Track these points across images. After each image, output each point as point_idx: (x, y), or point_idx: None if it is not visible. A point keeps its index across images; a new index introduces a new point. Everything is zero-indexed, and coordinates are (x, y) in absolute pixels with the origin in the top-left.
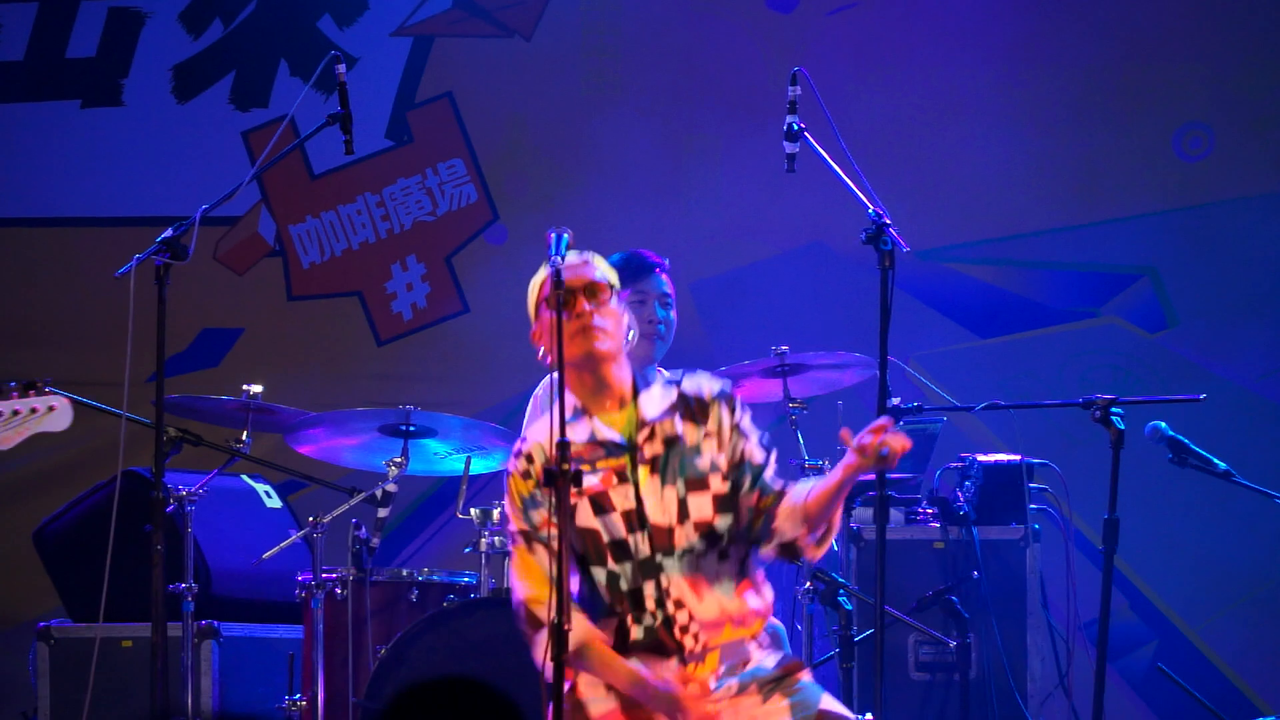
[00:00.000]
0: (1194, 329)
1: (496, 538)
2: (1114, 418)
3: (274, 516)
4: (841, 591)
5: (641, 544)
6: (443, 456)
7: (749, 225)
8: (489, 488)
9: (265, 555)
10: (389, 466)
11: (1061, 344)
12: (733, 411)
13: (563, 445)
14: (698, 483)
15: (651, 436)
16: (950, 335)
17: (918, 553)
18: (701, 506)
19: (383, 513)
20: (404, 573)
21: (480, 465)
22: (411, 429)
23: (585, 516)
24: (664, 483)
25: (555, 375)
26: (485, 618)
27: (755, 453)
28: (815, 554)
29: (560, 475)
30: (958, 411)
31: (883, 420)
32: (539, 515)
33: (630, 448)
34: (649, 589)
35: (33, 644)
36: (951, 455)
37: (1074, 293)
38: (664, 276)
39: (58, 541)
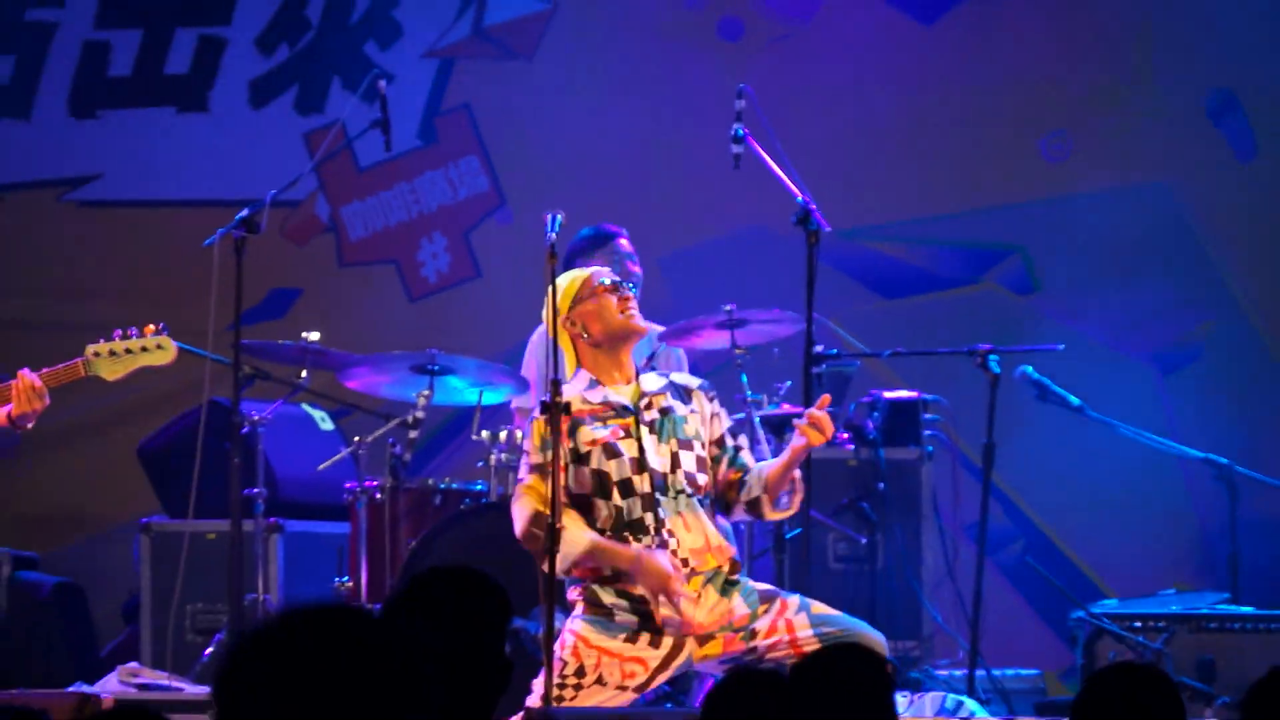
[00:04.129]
0: (1056, 294)
1: (503, 455)
2: (991, 363)
3: (327, 437)
4: None
5: (644, 484)
6: (461, 390)
7: (705, 209)
8: (497, 415)
9: (321, 467)
10: (418, 398)
11: (951, 305)
12: (711, 400)
13: (555, 383)
14: (685, 444)
15: (649, 405)
16: (863, 297)
17: (836, 469)
18: (688, 462)
19: (413, 434)
20: (430, 482)
21: (491, 397)
22: (436, 368)
23: (599, 460)
24: (660, 440)
25: (543, 330)
26: (494, 517)
27: (728, 437)
28: (772, 514)
29: (555, 407)
30: (868, 357)
31: (823, 397)
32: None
33: (635, 411)
34: (649, 519)
35: (136, 537)
36: (863, 392)
37: (960, 265)
38: (623, 241)
39: (157, 456)
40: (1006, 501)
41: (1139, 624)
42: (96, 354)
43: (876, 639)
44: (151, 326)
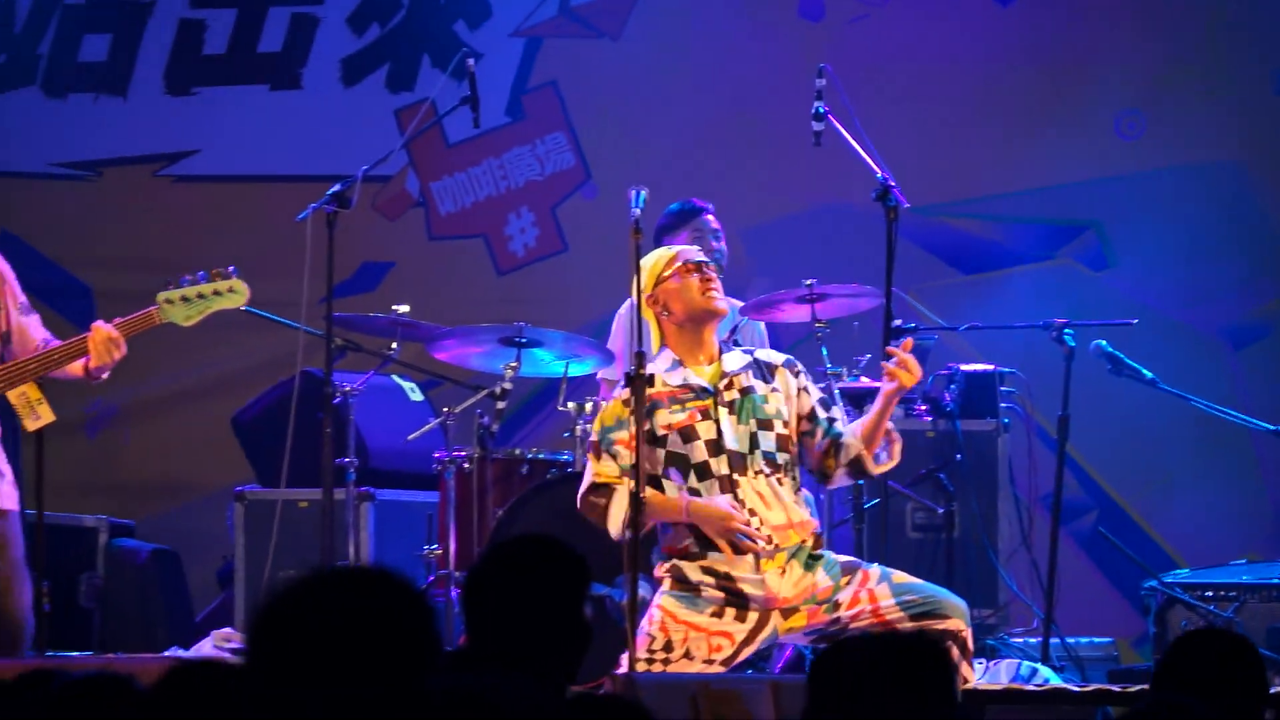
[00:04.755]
0: (1130, 269)
1: (589, 425)
2: (1066, 337)
3: (417, 407)
4: None
5: (721, 466)
6: (548, 362)
7: (787, 186)
8: (583, 386)
9: (410, 437)
10: (506, 369)
11: (1026, 280)
12: (797, 375)
13: (640, 355)
14: (765, 423)
15: (730, 386)
16: (941, 272)
17: (914, 440)
18: (767, 442)
19: (501, 405)
20: (517, 452)
21: (576, 369)
22: (523, 340)
23: (675, 444)
24: (739, 421)
25: (632, 305)
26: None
27: (819, 409)
28: (877, 468)
29: (638, 378)
30: (946, 331)
31: (906, 340)
32: (619, 435)
33: (714, 393)
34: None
35: (230, 505)
36: (941, 365)
37: (1036, 241)
38: (709, 216)
39: (251, 426)
40: (1080, 472)
41: (1210, 593)
42: (169, 300)
43: (958, 605)
44: (219, 270)
